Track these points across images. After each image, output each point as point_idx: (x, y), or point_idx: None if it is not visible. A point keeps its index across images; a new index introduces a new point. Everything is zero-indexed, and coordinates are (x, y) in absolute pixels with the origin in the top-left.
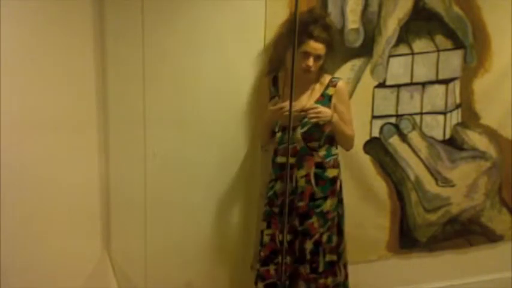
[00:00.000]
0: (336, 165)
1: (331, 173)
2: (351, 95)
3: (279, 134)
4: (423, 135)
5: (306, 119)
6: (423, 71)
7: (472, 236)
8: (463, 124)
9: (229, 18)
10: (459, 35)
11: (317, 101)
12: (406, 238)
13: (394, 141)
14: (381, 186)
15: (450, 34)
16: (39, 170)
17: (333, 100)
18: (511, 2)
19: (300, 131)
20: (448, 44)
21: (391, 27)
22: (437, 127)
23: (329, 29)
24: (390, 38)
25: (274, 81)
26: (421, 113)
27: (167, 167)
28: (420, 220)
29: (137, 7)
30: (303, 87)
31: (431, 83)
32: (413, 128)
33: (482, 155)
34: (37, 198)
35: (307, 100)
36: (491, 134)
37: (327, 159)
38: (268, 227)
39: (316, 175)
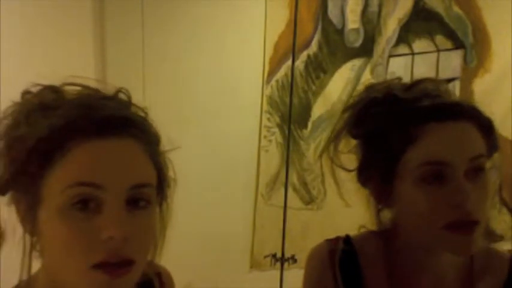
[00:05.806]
0: None
1: None
2: (350, 95)
3: None
4: None
5: None
6: (423, 71)
7: None
8: None
9: (229, 18)
10: (459, 35)
11: None
12: None
13: None
14: None
15: (450, 34)
16: None
17: None
18: (511, 2)
19: None
20: (448, 44)
21: (391, 27)
22: None
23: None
24: (390, 38)
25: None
26: None
27: None
28: None
29: (137, 7)
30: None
31: None
32: None
33: None
34: None
35: None
36: None
37: None
38: None
39: None
